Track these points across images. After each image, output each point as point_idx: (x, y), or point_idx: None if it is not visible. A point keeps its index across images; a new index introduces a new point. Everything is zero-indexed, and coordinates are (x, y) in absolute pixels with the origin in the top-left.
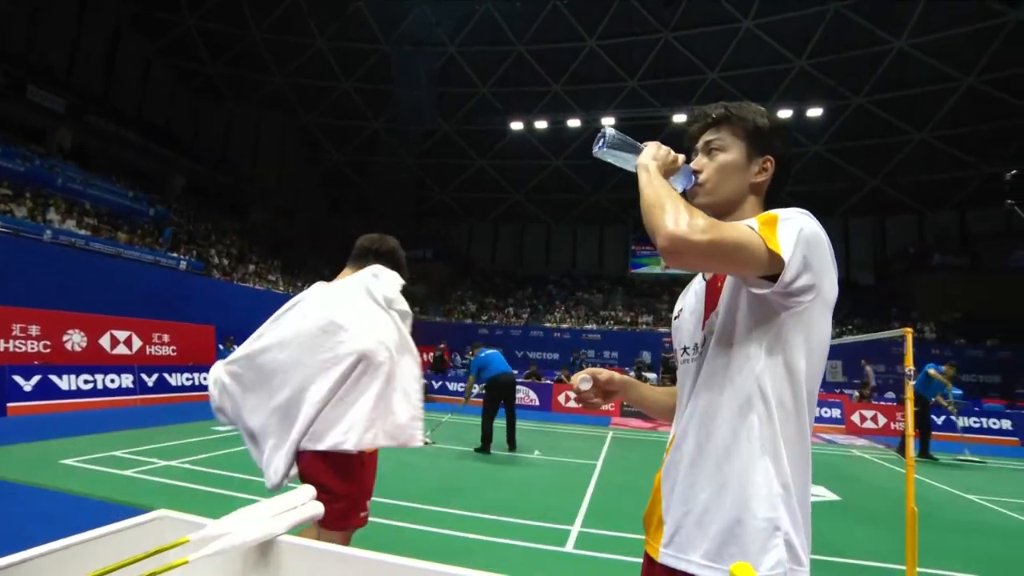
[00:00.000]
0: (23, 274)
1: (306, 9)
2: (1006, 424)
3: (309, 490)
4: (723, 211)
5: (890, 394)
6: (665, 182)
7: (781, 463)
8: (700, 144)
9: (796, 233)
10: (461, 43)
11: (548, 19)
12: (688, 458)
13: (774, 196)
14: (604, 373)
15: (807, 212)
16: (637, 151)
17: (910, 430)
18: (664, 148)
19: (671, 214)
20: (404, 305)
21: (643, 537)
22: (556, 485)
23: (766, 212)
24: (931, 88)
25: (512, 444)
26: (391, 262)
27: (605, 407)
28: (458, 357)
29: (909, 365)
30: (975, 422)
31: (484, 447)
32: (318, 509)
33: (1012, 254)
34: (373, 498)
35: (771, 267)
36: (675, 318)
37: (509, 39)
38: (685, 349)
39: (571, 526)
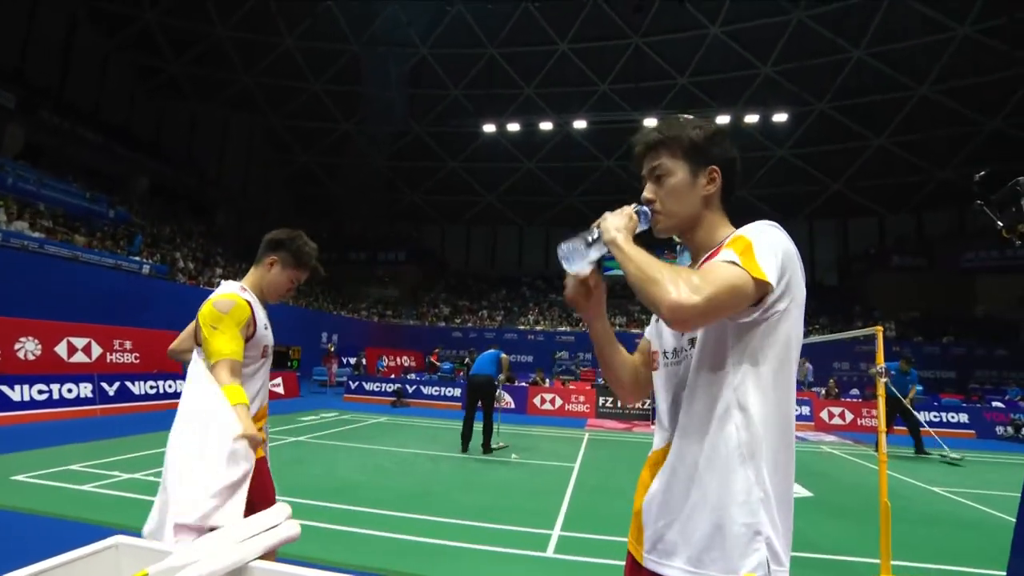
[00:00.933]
0: None
1: (274, 7)
2: (963, 418)
3: (283, 509)
4: (686, 228)
5: (854, 391)
6: (639, 250)
7: (761, 470)
8: (645, 171)
9: (774, 254)
10: (433, 44)
11: (520, 22)
12: (670, 466)
13: (729, 198)
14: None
15: (774, 223)
16: (595, 237)
17: (882, 426)
18: (620, 213)
19: (664, 285)
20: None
21: (625, 539)
22: (534, 488)
23: (738, 236)
24: (888, 96)
25: (485, 447)
26: (285, 253)
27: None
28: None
29: (880, 363)
30: (934, 416)
31: (462, 446)
32: (293, 530)
33: (964, 254)
34: (347, 505)
35: (758, 293)
36: (656, 320)
37: (481, 41)
38: (665, 353)
39: (551, 530)
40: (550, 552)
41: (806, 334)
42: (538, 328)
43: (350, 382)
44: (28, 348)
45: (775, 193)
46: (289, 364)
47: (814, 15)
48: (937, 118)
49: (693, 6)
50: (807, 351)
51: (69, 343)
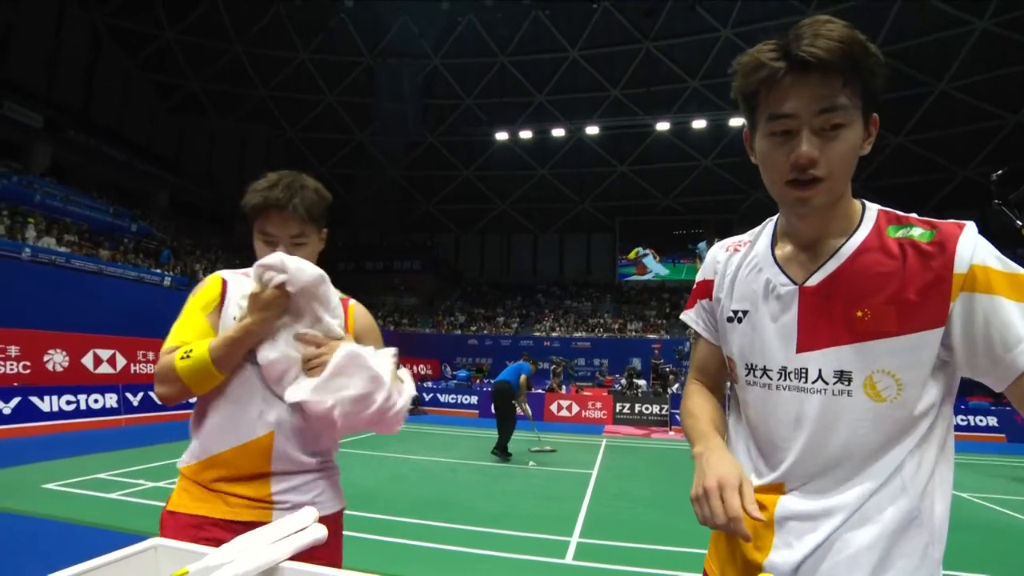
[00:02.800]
0: (1, 293)
1: (289, 23)
2: (992, 421)
3: (311, 513)
4: (832, 206)
5: None
6: None
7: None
8: (803, 108)
9: None
10: (444, 55)
11: (530, 30)
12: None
13: None
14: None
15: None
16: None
17: None
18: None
19: None
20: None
21: (642, 545)
22: (552, 495)
23: (1000, 273)
24: (905, 93)
25: (498, 450)
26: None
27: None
28: (447, 368)
29: None
30: (962, 420)
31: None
32: (321, 532)
33: None
34: (366, 513)
35: None
36: (736, 319)
37: (492, 50)
38: (766, 370)
39: (570, 537)
40: (569, 559)
41: None
42: (554, 334)
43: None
44: (56, 360)
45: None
46: None
47: (828, 12)
48: (957, 115)
49: (704, 9)
50: None
51: (95, 355)
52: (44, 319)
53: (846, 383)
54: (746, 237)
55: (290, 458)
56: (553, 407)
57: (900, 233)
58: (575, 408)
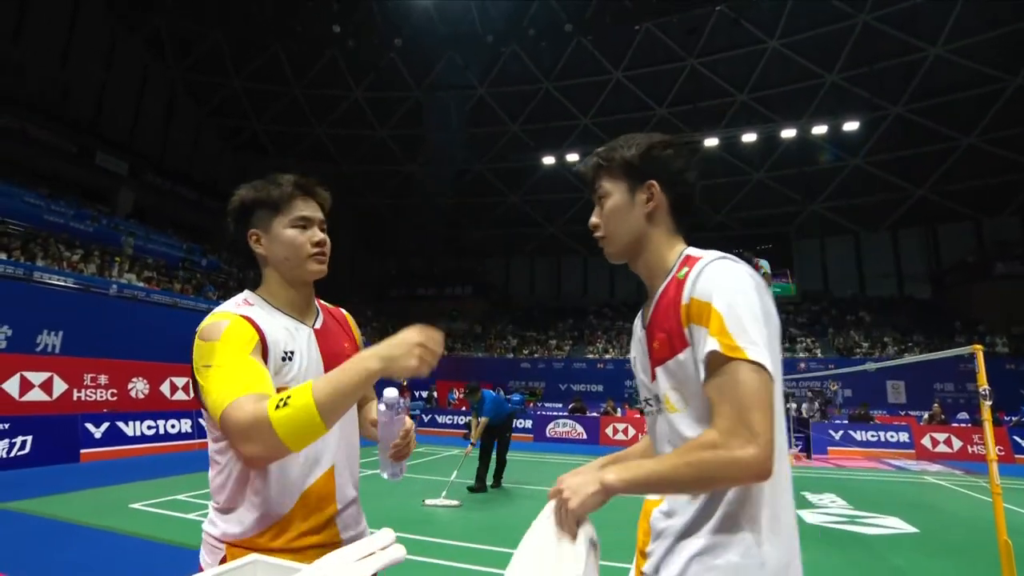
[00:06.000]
0: (92, 327)
1: (343, 64)
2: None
3: (388, 534)
4: (631, 252)
5: (962, 415)
6: (642, 464)
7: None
8: (594, 196)
9: (755, 320)
10: (490, 84)
11: (574, 55)
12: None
13: (683, 218)
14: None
15: (728, 257)
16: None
17: (992, 454)
18: (573, 482)
19: (719, 459)
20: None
21: None
22: (612, 520)
23: (704, 304)
24: (975, 92)
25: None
26: (254, 210)
27: None
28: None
29: (983, 384)
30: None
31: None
32: (400, 552)
33: None
34: (427, 537)
35: None
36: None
37: (536, 77)
38: (647, 400)
39: (630, 563)
40: None
41: (900, 352)
42: (607, 356)
43: (423, 415)
44: (138, 388)
45: (851, 205)
46: None
47: (881, 16)
48: None
49: (749, 22)
50: (900, 372)
51: (171, 382)
52: (128, 349)
53: (656, 403)
54: None
55: (346, 490)
56: (609, 430)
57: (680, 274)
58: (631, 431)
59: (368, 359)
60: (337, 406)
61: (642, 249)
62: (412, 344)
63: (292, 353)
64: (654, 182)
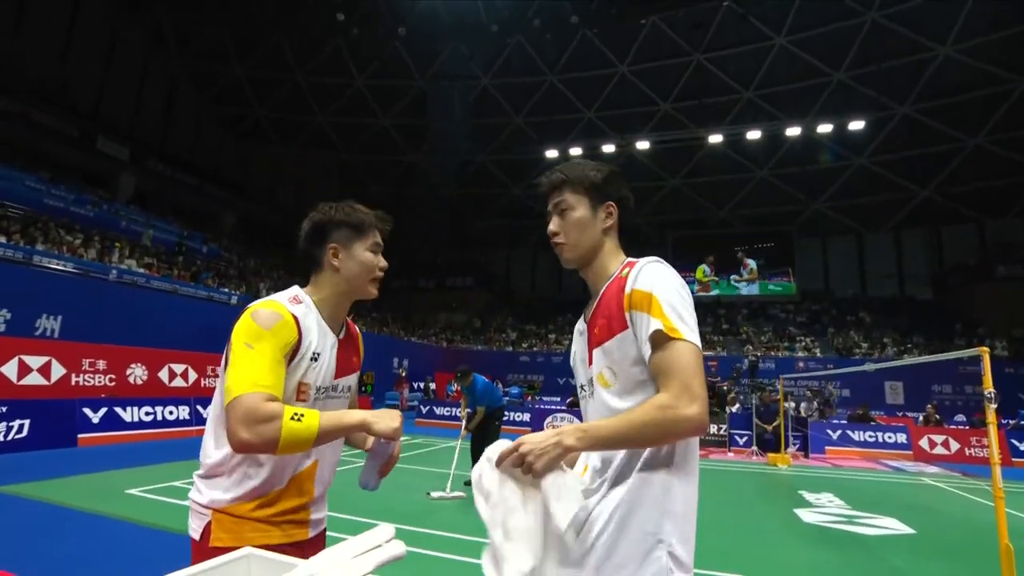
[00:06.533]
0: (91, 312)
1: (347, 52)
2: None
3: (388, 529)
4: (587, 259)
5: (960, 417)
6: (603, 424)
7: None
8: (551, 207)
9: (685, 305)
10: (494, 75)
11: (579, 48)
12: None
13: (623, 231)
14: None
15: (659, 261)
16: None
17: (995, 457)
18: (536, 438)
19: (667, 417)
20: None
21: (701, 571)
22: None
23: (643, 293)
24: (983, 92)
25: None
26: (341, 228)
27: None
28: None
29: (989, 387)
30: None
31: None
32: (400, 548)
33: None
34: (426, 529)
35: None
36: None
37: (541, 69)
38: (582, 387)
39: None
40: None
41: (899, 353)
42: None
43: (421, 407)
44: (137, 374)
45: (855, 204)
46: (364, 389)
47: (890, 14)
48: None
49: (756, 18)
50: (899, 373)
51: (170, 369)
52: (127, 335)
53: (590, 386)
54: None
55: (323, 481)
56: None
57: (622, 273)
58: None
59: (364, 416)
60: (329, 439)
61: (595, 257)
62: (394, 421)
63: (319, 355)
64: (612, 203)
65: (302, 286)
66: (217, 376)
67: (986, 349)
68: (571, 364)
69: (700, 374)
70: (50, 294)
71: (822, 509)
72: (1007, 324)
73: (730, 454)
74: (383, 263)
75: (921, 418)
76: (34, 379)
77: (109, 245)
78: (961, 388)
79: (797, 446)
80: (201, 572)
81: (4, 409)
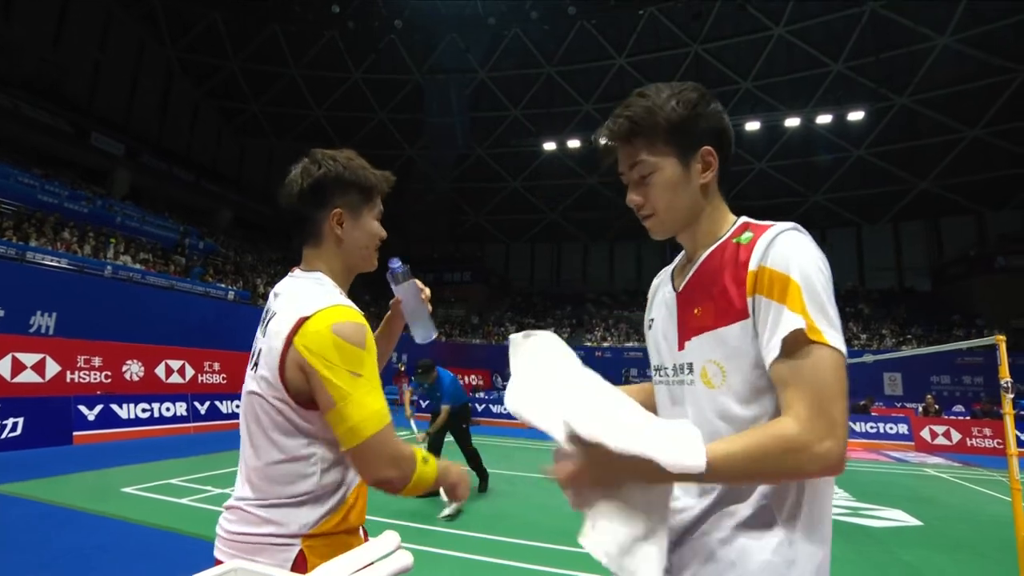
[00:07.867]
0: (87, 308)
1: (342, 45)
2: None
3: (394, 538)
4: (684, 225)
5: (958, 407)
6: (733, 453)
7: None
8: (623, 170)
9: (830, 299)
10: (491, 68)
11: (576, 40)
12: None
13: (725, 175)
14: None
15: (797, 228)
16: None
17: (1012, 449)
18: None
19: (796, 449)
20: None
21: None
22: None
23: (778, 274)
24: (983, 83)
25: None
26: (348, 191)
27: None
28: (498, 379)
29: (1005, 376)
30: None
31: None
32: (407, 559)
33: None
34: (424, 525)
35: None
36: (649, 327)
37: (538, 61)
38: (662, 369)
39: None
40: None
41: (898, 345)
42: (605, 344)
43: (420, 401)
44: (133, 370)
45: (853, 196)
46: None
47: (889, 4)
48: None
49: (755, 8)
50: (897, 364)
51: (167, 365)
52: (122, 331)
53: (688, 373)
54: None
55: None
56: None
57: (738, 239)
58: None
59: (460, 478)
60: (418, 491)
61: (694, 221)
62: (465, 481)
63: None
64: (710, 148)
65: (297, 264)
66: (215, 372)
67: (1002, 337)
68: (647, 333)
69: (843, 395)
70: (44, 291)
71: None
72: (1006, 315)
73: None
74: (384, 233)
75: (920, 409)
76: (28, 376)
77: (104, 241)
78: (959, 379)
79: None
80: None
81: None
